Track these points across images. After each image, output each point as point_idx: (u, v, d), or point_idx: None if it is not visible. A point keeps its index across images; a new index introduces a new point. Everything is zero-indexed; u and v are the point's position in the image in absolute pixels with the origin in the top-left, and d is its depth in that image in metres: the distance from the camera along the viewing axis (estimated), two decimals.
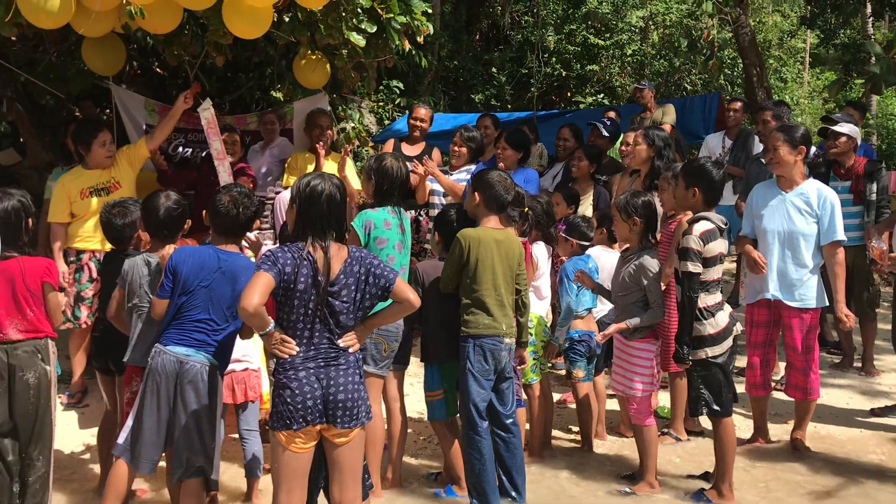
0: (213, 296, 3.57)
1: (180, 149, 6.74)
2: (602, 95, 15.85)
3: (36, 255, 3.88)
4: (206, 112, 5.66)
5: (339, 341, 3.19)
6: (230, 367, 3.99)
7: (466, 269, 4.10)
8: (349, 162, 6.33)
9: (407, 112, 8.50)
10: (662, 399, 5.54)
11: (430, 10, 6.13)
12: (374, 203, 4.30)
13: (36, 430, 3.76)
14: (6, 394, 3.71)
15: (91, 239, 5.47)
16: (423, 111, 7.02)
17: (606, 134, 7.29)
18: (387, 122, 13.42)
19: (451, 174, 6.14)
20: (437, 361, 4.32)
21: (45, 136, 7.66)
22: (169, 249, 3.74)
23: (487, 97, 15.75)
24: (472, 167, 6.10)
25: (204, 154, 6.70)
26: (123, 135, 6.33)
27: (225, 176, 5.70)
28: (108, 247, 4.51)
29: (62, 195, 5.45)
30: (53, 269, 3.86)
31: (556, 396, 5.61)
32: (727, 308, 4.42)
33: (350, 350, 3.22)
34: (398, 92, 13.84)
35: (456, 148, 6.19)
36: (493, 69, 15.98)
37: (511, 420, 4.21)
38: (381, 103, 13.88)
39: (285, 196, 5.47)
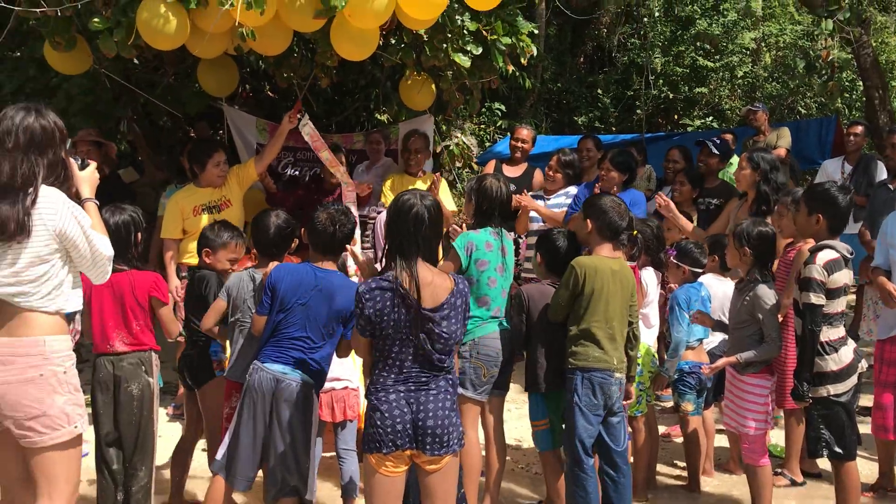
0: (311, 314, 3.56)
1: (289, 168, 6.87)
2: (711, 118, 15.38)
3: (145, 270, 3.98)
4: (306, 127, 5.73)
5: None
6: (329, 385, 3.97)
7: (580, 300, 3.93)
8: (444, 184, 6.29)
9: (509, 134, 8.44)
10: (775, 437, 5.22)
11: (535, 31, 6.06)
12: (475, 224, 4.22)
13: (139, 440, 3.82)
14: (111, 404, 3.80)
15: None
16: (525, 132, 6.93)
17: (717, 152, 6.99)
18: (488, 144, 13.40)
19: (548, 199, 6.01)
20: (542, 391, 4.18)
21: (161, 154, 7.98)
22: (272, 266, 3.76)
23: (591, 119, 15.50)
24: (571, 190, 5.96)
25: (312, 173, 6.81)
26: (235, 154, 6.50)
27: (343, 179, 5.75)
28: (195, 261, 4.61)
29: (175, 212, 5.60)
30: (161, 283, 3.94)
31: (660, 429, 5.37)
32: (851, 343, 4.12)
33: None
34: (500, 114, 13.81)
35: (551, 173, 6.05)
36: (598, 91, 15.75)
37: (622, 458, 4.00)
38: (482, 126, 13.88)
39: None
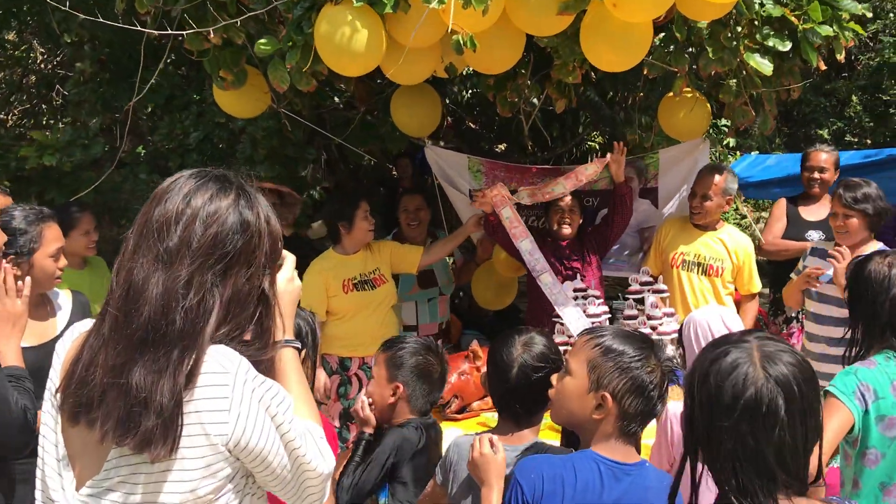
0: None
1: None
2: None
3: None
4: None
5: None
6: None
7: None
8: None
9: (746, 154, 6.46)
10: None
11: (868, 13, 4.21)
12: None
13: None
14: None
15: (359, 345, 4.29)
16: (823, 156, 5.04)
17: None
18: None
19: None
20: None
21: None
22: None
23: (837, 132, 13.20)
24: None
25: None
26: (449, 204, 5.07)
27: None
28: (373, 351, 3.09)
29: (318, 286, 4.24)
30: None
31: None
32: None
33: None
34: (726, 131, 11.87)
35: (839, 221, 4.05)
36: (836, 99, 13.49)
37: None
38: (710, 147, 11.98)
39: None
